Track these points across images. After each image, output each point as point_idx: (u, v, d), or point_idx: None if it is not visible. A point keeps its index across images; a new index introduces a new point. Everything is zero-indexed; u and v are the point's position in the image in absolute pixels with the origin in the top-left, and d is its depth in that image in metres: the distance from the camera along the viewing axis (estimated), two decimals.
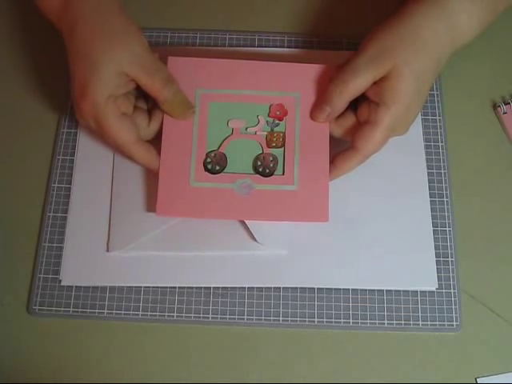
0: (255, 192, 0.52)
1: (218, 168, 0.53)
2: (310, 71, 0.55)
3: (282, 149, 0.54)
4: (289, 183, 0.53)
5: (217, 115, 0.54)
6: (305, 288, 0.53)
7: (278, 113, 0.54)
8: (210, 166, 0.53)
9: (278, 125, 0.54)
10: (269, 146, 0.54)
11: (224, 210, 0.52)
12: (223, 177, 0.53)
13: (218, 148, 0.54)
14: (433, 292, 0.53)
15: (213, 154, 0.53)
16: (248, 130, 0.54)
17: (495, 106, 0.60)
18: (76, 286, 0.53)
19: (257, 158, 0.53)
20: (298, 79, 0.55)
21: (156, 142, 0.54)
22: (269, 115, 0.54)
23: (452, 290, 0.53)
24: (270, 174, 0.53)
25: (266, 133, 0.54)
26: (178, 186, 0.52)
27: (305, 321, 0.52)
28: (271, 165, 0.53)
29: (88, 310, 0.52)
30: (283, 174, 0.53)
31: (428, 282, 0.53)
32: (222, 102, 0.54)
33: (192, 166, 0.53)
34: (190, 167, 0.53)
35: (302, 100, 0.54)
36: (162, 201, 0.52)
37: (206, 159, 0.53)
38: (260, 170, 0.53)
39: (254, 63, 0.55)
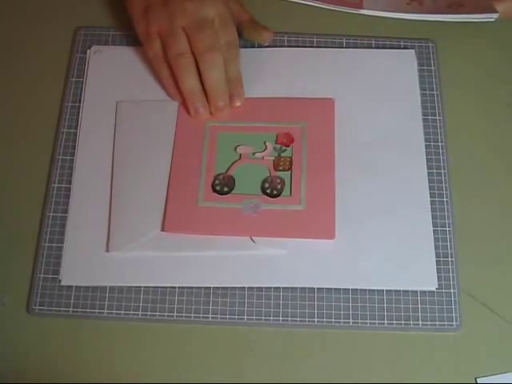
0: (262, 211, 0.54)
1: (226, 189, 0.55)
2: (315, 104, 0.58)
3: (289, 172, 0.56)
4: (296, 203, 0.54)
5: (225, 143, 0.57)
6: (305, 288, 0.53)
7: (284, 140, 0.57)
8: (218, 188, 0.55)
9: (284, 150, 0.57)
10: (276, 169, 0.56)
11: (231, 227, 0.53)
12: (231, 197, 0.54)
13: (227, 171, 0.55)
14: (433, 292, 0.53)
15: (221, 177, 0.55)
16: (256, 155, 0.56)
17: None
18: (76, 286, 0.53)
19: (264, 181, 0.55)
20: (304, 111, 0.58)
21: None
22: (276, 142, 0.57)
23: (452, 290, 0.53)
24: (278, 195, 0.54)
25: (273, 158, 0.56)
26: (186, 205, 0.54)
27: (305, 321, 0.52)
28: (278, 186, 0.55)
29: (88, 310, 0.52)
30: (290, 195, 0.54)
31: (428, 281, 0.53)
32: (230, 132, 0.57)
33: (200, 188, 0.55)
34: (198, 189, 0.55)
35: (308, 129, 0.57)
36: (170, 218, 0.53)
37: (214, 181, 0.55)
38: (268, 191, 0.55)
39: (260, 100, 0.59)
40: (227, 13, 0.58)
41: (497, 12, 0.60)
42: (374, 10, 0.64)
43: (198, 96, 0.57)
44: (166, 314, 0.52)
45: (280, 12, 0.65)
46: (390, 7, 0.64)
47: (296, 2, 0.65)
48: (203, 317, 0.52)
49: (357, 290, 0.53)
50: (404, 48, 0.63)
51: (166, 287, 0.53)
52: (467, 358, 0.51)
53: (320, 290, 0.53)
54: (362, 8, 0.64)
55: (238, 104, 0.58)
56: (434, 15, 0.63)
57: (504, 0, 0.61)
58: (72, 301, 0.52)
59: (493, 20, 0.62)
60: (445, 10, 0.63)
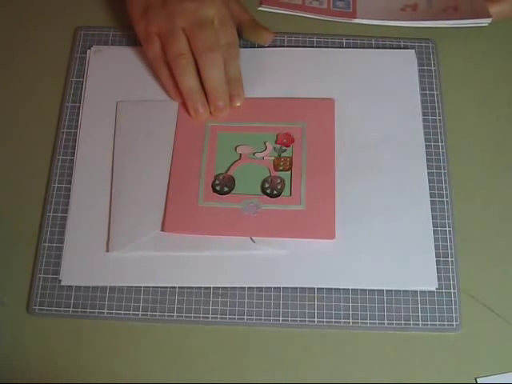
0: (262, 211, 0.54)
1: (226, 189, 0.55)
2: (315, 104, 0.58)
3: (289, 172, 0.56)
4: (296, 203, 0.54)
5: (225, 143, 0.57)
6: (305, 288, 0.53)
7: (284, 141, 0.57)
8: (218, 188, 0.55)
9: (284, 150, 0.57)
10: (276, 169, 0.56)
11: (231, 227, 0.53)
12: (231, 197, 0.54)
13: (227, 171, 0.55)
14: (433, 292, 0.53)
15: (221, 177, 0.55)
16: (256, 155, 0.56)
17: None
18: (76, 286, 0.53)
19: (264, 181, 0.55)
20: (304, 111, 0.58)
21: None
22: (276, 142, 0.57)
23: (452, 290, 0.53)
24: (278, 195, 0.54)
25: (273, 158, 0.56)
26: (186, 205, 0.54)
27: (305, 321, 0.52)
28: (279, 186, 0.55)
29: (88, 310, 0.52)
30: (290, 195, 0.54)
31: (428, 281, 0.53)
32: (230, 132, 0.57)
33: (200, 187, 0.55)
34: (198, 189, 0.55)
35: (308, 129, 0.57)
36: (170, 218, 0.53)
37: (214, 181, 0.55)
38: (268, 191, 0.55)
39: (260, 100, 0.59)
40: (227, 13, 0.58)
41: (490, 17, 0.61)
42: (367, 18, 0.64)
43: (197, 96, 0.57)
44: (166, 314, 0.52)
45: (279, 14, 0.65)
46: (384, 15, 0.64)
47: (288, 14, 0.65)
48: (203, 317, 0.52)
49: (357, 290, 0.53)
50: (404, 48, 0.63)
51: (166, 287, 0.53)
52: (467, 358, 0.51)
53: (320, 289, 0.53)
54: (355, 17, 0.64)
55: (238, 104, 0.58)
56: (428, 22, 0.63)
57: (499, 2, 0.61)
58: (72, 301, 0.53)
59: (486, 25, 0.62)
60: (440, 15, 0.63)
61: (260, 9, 0.65)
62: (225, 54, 0.57)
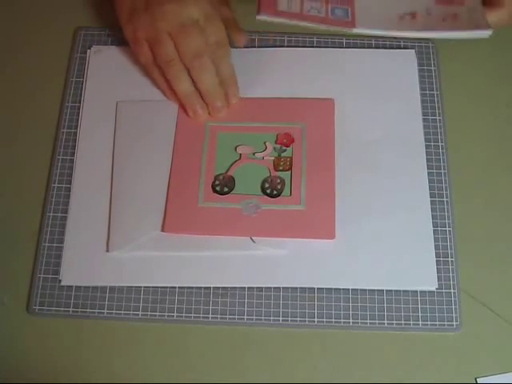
0: (262, 211, 0.54)
1: (226, 190, 0.55)
2: (315, 105, 0.58)
3: (289, 172, 0.56)
4: (296, 203, 0.54)
5: (225, 143, 0.57)
6: (305, 288, 0.53)
7: (284, 141, 0.57)
8: (218, 188, 0.55)
9: (284, 151, 0.57)
10: (276, 169, 0.56)
11: (231, 227, 0.53)
12: (231, 197, 0.55)
13: (227, 171, 0.56)
14: (433, 292, 0.53)
15: (221, 177, 0.55)
16: (256, 155, 0.57)
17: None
18: (76, 286, 0.53)
19: (264, 181, 0.55)
20: (304, 112, 0.58)
21: None
22: (276, 143, 0.57)
23: (452, 290, 0.53)
24: (278, 195, 0.55)
25: (273, 158, 0.56)
26: (187, 205, 0.54)
27: (305, 321, 0.52)
28: (278, 186, 0.55)
29: (88, 310, 0.52)
30: (290, 195, 0.55)
31: (428, 281, 0.53)
32: (230, 132, 0.57)
33: (201, 188, 0.55)
34: (198, 189, 0.55)
35: (308, 129, 0.57)
36: (170, 218, 0.54)
37: (214, 181, 0.55)
38: (268, 191, 0.55)
39: (260, 100, 0.59)
40: (213, 10, 0.57)
41: (490, 28, 0.59)
42: (366, 28, 0.63)
43: (194, 98, 0.57)
44: (166, 314, 0.52)
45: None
46: (382, 24, 0.63)
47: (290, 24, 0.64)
48: (203, 317, 0.52)
49: (357, 290, 0.53)
50: (404, 48, 0.63)
51: (166, 287, 0.53)
52: (467, 358, 0.51)
53: (320, 289, 0.53)
54: (354, 26, 0.63)
55: (234, 101, 0.58)
56: (427, 32, 0.62)
57: (497, 10, 0.60)
58: (72, 301, 0.53)
59: (487, 37, 0.61)
60: (439, 24, 0.62)
61: (258, 18, 0.64)
62: (213, 55, 0.56)
